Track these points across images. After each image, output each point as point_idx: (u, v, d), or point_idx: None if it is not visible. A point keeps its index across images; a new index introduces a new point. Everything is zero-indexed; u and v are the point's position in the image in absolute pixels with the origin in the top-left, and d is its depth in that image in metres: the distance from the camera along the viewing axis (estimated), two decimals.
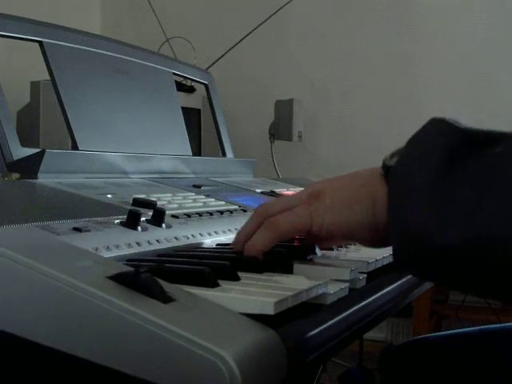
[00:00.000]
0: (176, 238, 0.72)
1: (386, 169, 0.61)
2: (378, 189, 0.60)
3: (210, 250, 0.75)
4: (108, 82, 1.18)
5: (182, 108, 1.37)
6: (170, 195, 0.92)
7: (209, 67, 2.52)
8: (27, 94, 2.41)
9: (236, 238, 0.68)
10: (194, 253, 0.70)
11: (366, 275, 0.68)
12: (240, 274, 0.56)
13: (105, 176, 0.99)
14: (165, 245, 0.69)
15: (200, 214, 0.83)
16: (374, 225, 0.61)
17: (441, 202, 0.53)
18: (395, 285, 0.72)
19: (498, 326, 0.95)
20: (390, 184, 0.58)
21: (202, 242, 0.76)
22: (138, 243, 0.66)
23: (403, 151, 0.59)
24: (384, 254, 0.75)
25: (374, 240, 0.64)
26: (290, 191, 1.23)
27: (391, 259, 0.77)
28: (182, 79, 2.19)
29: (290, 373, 0.45)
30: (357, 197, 0.62)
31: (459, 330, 0.97)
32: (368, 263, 0.70)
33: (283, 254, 0.66)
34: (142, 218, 0.70)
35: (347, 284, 0.62)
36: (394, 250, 0.58)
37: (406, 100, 3.07)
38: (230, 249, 0.73)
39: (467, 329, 0.97)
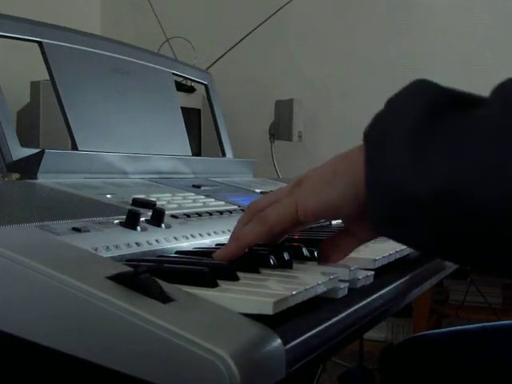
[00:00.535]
0: (175, 239, 0.72)
1: (364, 135, 0.59)
2: (358, 158, 0.59)
3: (209, 250, 0.75)
4: (108, 82, 1.18)
5: (182, 108, 1.37)
6: (169, 195, 0.92)
7: (209, 67, 2.52)
8: (27, 94, 2.41)
9: (231, 236, 0.68)
10: (194, 253, 0.70)
11: (373, 272, 0.68)
12: (239, 274, 0.56)
13: (104, 176, 0.99)
14: (164, 245, 0.69)
15: (199, 214, 0.83)
16: (356, 196, 0.60)
17: (415, 154, 0.52)
18: (395, 285, 0.72)
19: (497, 323, 0.95)
20: (366, 139, 0.58)
21: (201, 243, 0.76)
22: (137, 243, 0.66)
23: (382, 108, 0.60)
24: (383, 254, 0.75)
25: (360, 214, 0.61)
26: None
27: (390, 259, 0.77)
28: (181, 79, 2.19)
29: (289, 373, 0.45)
30: (336, 171, 0.62)
31: (459, 327, 0.97)
32: (375, 260, 0.70)
33: (282, 254, 0.66)
34: (142, 218, 0.70)
35: (347, 284, 0.62)
36: (368, 205, 0.56)
37: None
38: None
39: (467, 326, 0.97)
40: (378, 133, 0.57)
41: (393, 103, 0.59)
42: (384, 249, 0.78)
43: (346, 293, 0.62)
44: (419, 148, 0.52)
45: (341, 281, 0.62)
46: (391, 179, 0.53)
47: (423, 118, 0.54)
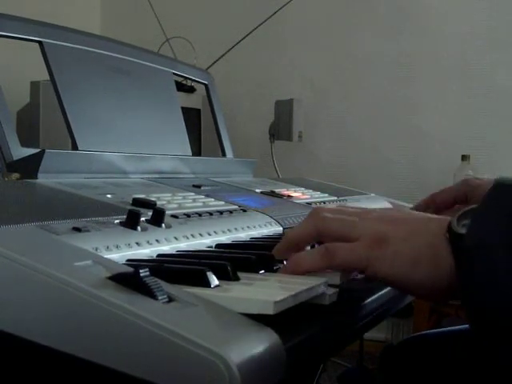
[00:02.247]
0: (176, 238, 0.72)
1: (453, 234, 0.58)
2: (443, 253, 0.59)
3: (209, 249, 0.75)
4: (108, 82, 1.18)
5: (182, 108, 1.37)
6: (169, 195, 0.92)
7: (209, 67, 2.52)
8: (27, 94, 2.42)
9: (285, 238, 0.67)
10: (194, 253, 0.70)
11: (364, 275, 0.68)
12: (240, 274, 0.56)
13: (104, 176, 0.99)
14: (164, 245, 0.69)
15: (200, 214, 0.83)
16: (434, 286, 0.60)
17: None
18: None
19: None
20: (461, 263, 0.57)
21: (201, 242, 0.76)
22: (137, 243, 0.66)
23: (472, 221, 0.57)
24: None
25: (431, 297, 0.63)
26: (289, 191, 1.23)
27: None
28: (182, 79, 2.19)
29: (289, 373, 0.45)
30: (419, 258, 0.60)
31: (460, 327, 0.97)
32: None
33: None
34: (142, 218, 0.70)
35: (337, 290, 0.61)
36: (471, 324, 0.57)
37: (406, 100, 3.07)
38: (231, 249, 0.73)
39: (467, 325, 0.97)
40: (466, 245, 0.56)
41: (482, 221, 0.57)
42: None
43: (335, 299, 0.61)
44: None
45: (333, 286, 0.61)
46: (496, 307, 0.53)
47: None
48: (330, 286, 0.60)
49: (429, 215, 0.66)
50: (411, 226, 0.63)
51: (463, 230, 0.57)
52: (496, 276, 0.53)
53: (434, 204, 0.94)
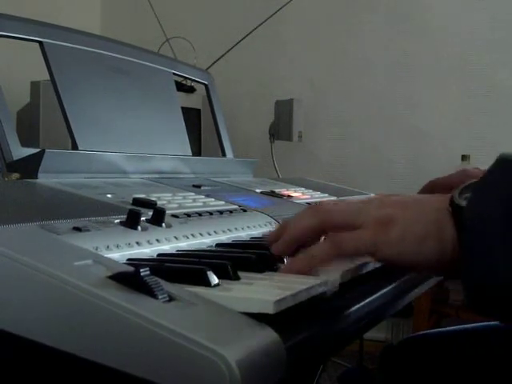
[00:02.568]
0: (176, 238, 0.72)
1: (455, 207, 0.59)
2: (446, 227, 0.59)
3: (209, 249, 0.75)
4: (108, 82, 1.18)
5: (182, 108, 1.37)
6: (169, 195, 0.92)
7: (209, 67, 2.52)
8: (27, 94, 2.42)
9: (289, 230, 0.66)
10: (195, 252, 0.70)
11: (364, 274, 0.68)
12: (240, 273, 0.56)
13: (105, 176, 0.99)
14: (165, 244, 0.69)
15: (200, 214, 0.83)
16: (439, 260, 0.60)
17: None
18: (395, 284, 0.72)
19: (497, 322, 0.95)
20: (461, 233, 0.57)
21: (201, 242, 0.76)
22: (138, 243, 0.66)
23: (474, 192, 0.58)
24: None
25: (436, 271, 0.65)
26: (289, 191, 1.23)
27: None
28: (182, 79, 2.19)
29: (289, 372, 0.45)
30: (425, 235, 0.61)
31: (460, 326, 0.97)
32: (367, 263, 0.70)
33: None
34: (142, 218, 0.70)
35: (337, 288, 0.61)
36: (467, 295, 0.57)
37: (406, 100, 3.07)
38: (231, 248, 0.73)
39: (468, 325, 0.97)
40: (467, 217, 0.56)
41: (484, 188, 0.58)
42: None
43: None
44: None
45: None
46: (492, 278, 0.53)
47: None
48: (331, 285, 0.60)
49: (430, 195, 0.67)
50: (413, 206, 0.63)
51: (464, 203, 0.58)
52: (493, 249, 0.53)
53: (432, 191, 0.94)
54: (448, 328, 0.98)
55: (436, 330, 1.01)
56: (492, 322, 0.95)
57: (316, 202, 1.14)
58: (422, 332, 1.00)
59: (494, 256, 0.53)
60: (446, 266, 0.61)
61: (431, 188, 0.97)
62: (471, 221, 0.56)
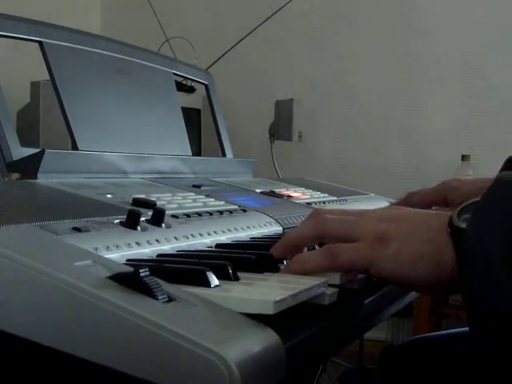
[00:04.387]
0: (176, 238, 0.72)
1: (454, 228, 0.59)
2: (444, 247, 0.59)
3: (209, 249, 0.75)
4: (108, 82, 1.18)
5: (182, 108, 1.37)
6: (169, 195, 0.92)
7: (209, 67, 2.52)
8: (27, 94, 2.42)
9: (286, 238, 0.67)
10: (194, 253, 0.70)
11: (364, 275, 0.68)
12: (240, 274, 0.56)
13: (104, 176, 0.99)
14: (164, 245, 0.69)
15: (200, 214, 0.83)
16: (436, 280, 0.60)
17: None
18: (395, 284, 0.72)
19: None
20: (461, 256, 0.57)
21: (201, 242, 0.76)
22: (137, 243, 0.66)
23: (473, 215, 0.57)
24: None
25: (434, 291, 0.63)
26: (289, 191, 1.23)
27: None
28: (182, 79, 2.19)
29: (289, 372, 0.45)
30: (422, 253, 0.60)
31: (460, 329, 0.97)
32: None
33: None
34: (142, 218, 0.70)
35: (336, 289, 0.61)
36: (469, 323, 0.57)
37: (406, 100, 3.08)
38: (231, 248, 0.73)
39: (468, 327, 0.97)
40: (467, 241, 0.56)
41: (483, 210, 0.57)
42: None
43: (335, 298, 0.61)
44: None
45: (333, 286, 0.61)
46: (493, 303, 0.53)
47: None
48: (330, 285, 0.60)
49: (429, 211, 0.66)
50: (412, 223, 0.63)
51: (464, 225, 0.57)
52: (495, 275, 0.53)
53: (410, 204, 0.92)
54: (448, 331, 0.98)
55: (436, 332, 1.01)
56: None
57: (319, 203, 1.14)
58: (421, 335, 1.00)
59: (495, 281, 0.53)
60: (443, 288, 0.61)
61: (408, 202, 0.96)
62: (472, 244, 0.55)
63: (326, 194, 1.31)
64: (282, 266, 0.64)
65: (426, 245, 0.60)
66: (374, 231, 0.62)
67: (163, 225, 0.73)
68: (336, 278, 0.61)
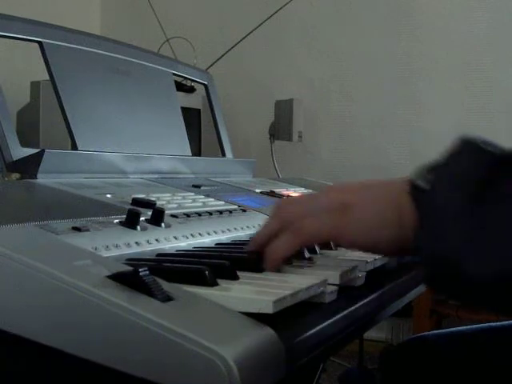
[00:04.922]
0: (175, 238, 0.72)
1: (414, 188, 0.59)
2: (405, 207, 0.59)
3: (209, 249, 0.75)
4: (108, 83, 1.18)
5: (182, 108, 1.37)
6: (169, 195, 0.92)
7: (209, 67, 2.52)
8: (27, 94, 2.41)
9: (256, 238, 0.67)
10: (194, 252, 0.70)
11: (365, 273, 0.68)
12: (239, 273, 0.56)
13: (104, 176, 0.99)
14: (164, 244, 0.69)
15: (199, 214, 0.83)
16: (399, 240, 0.61)
17: (474, 233, 0.52)
18: (394, 284, 0.72)
19: (498, 323, 0.95)
20: (419, 209, 0.57)
21: (200, 242, 0.76)
22: (137, 243, 0.66)
23: (433, 177, 0.58)
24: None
25: (398, 252, 0.64)
26: (289, 191, 1.23)
27: (384, 261, 0.77)
28: (181, 79, 2.19)
29: (288, 371, 0.45)
30: (384, 214, 0.61)
31: (459, 328, 0.97)
32: (367, 262, 0.70)
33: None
34: (142, 218, 0.70)
35: (336, 288, 0.61)
36: (427, 278, 0.58)
37: (406, 100, 3.07)
38: (231, 249, 0.73)
39: (468, 326, 0.97)
40: (431, 206, 0.56)
41: (443, 172, 0.58)
42: None
43: (335, 297, 0.61)
44: (476, 228, 0.52)
45: (332, 285, 0.61)
46: (447, 256, 0.53)
47: (478, 194, 0.53)
48: (330, 284, 0.60)
49: (390, 180, 0.67)
50: (373, 189, 0.64)
51: (426, 186, 0.58)
52: (454, 233, 0.53)
53: None
54: (448, 329, 0.98)
55: (436, 331, 1.00)
56: (490, 324, 0.95)
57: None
58: (421, 334, 0.99)
59: (457, 245, 0.53)
60: (406, 251, 0.61)
61: None
62: (433, 204, 0.56)
63: None
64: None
65: (388, 205, 0.61)
66: (336, 200, 0.63)
67: (163, 224, 0.73)
68: (336, 277, 0.61)
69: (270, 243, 0.63)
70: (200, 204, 0.92)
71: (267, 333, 0.45)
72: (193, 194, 0.99)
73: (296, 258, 0.67)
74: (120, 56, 1.23)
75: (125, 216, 0.69)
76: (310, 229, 0.62)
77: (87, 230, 0.63)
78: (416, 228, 0.57)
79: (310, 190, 1.30)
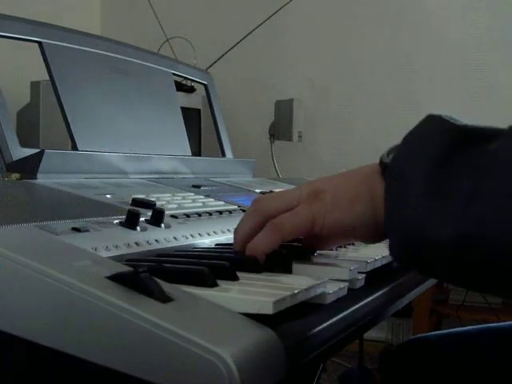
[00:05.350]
0: (175, 238, 0.72)
1: (383, 166, 0.61)
2: (377, 186, 0.61)
3: (208, 249, 0.75)
4: (108, 83, 1.18)
5: (182, 108, 1.37)
6: (169, 195, 0.92)
7: (209, 67, 2.52)
8: (27, 94, 2.42)
9: (236, 237, 0.68)
10: (193, 253, 0.70)
11: (365, 275, 0.68)
12: (239, 274, 0.56)
13: (104, 176, 0.99)
14: (164, 245, 0.69)
15: (199, 214, 0.83)
16: (374, 221, 0.62)
17: (433, 198, 0.53)
18: (394, 284, 0.72)
19: (497, 324, 0.95)
20: (385, 181, 0.59)
21: (200, 242, 0.76)
22: (137, 243, 0.66)
23: (399, 148, 0.60)
24: (383, 253, 0.75)
25: (375, 235, 0.65)
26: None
27: (390, 259, 0.77)
28: (181, 79, 2.19)
29: (288, 372, 0.45)
30: (357, 194, 0.63)
31: (459, 329, 0.97)
32: (367, 263, 0.70)
33: (283, 254, 0.66)
34: (141, 218, 0.70)
35: (346, 283, 0.62)
36: (390, 246, 0.58)
37: (406, 100, 3.07)
38: (231, 249, 0.73)
39: (467, 327, 0.97)
40: (396, 173, 0.57)
41: (408, 143, 0.60)
42: (382, 248, 0.78)
43: (345, 293, 0.62)
44: (437, 192, 0.53)
45: (340, 281, 0.62)
46: (411, 222, 0.54)
47: (439, 159, 0.55)
48: (338, 280, 0.60)
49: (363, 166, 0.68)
50: (344, 175, 0.66)
51: (388, 160, 0.60)
52: (418, 203, 0.54)
53: None
54: (448, 330, 0.98)
55: (436, 332, 1.00)
56: (491, 325, 0.95)
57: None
58: (421, 334, 1.00)
59: (418, 209, 0.54)
60: (382, 235, 0.62)
61: None
62: (396, 175, 0.57)
63: None
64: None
65: (359, 186, 0.63)
66: (308, 191, 0.65)
67: (163, 225, 0.73)
68: (344, 274, 0.62)
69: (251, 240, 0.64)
70: (200, 204, 0.92)
71: (267, 334, 0.45)
72: (193, 194, 0.98)
73: (296, 259, 0.67)
74: (120, 56, 1.23)
75: (124, 216, 0.69)
76: (287, 224, 0.63)
77: (87, 231, 0.63)
78: (384, 202, 0.58)
79: None
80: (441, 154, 0.55)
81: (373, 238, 0.66)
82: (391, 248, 0.58)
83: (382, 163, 0.61)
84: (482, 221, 0.50)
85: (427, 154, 0.55)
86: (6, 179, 0.90)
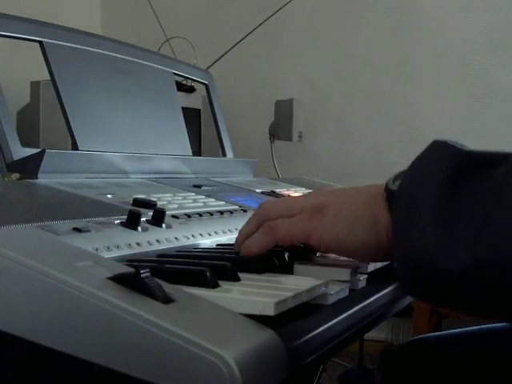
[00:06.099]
0: (176, 239, 0.72)
1: (389, 192, 0.60)
2: (381, 211, 0.60)
3: (210, 250, 0.75)
4: (108, 82, 1.18)
5: (182, 108, 1.37)
6: (170, 195, 0.92)
7: (209, 67, 2.52)
8: (27, 94, 2.41)
9: (236, 239, 0.69)
10: (195, 253, 0.70)
11: (366, 276, 0.68)
12: (240, 274, 0.56)
13: (105, 176, 0.99)
14: (165, 245, 0.69)
15: (200, 214, 0.83)
16: (376, 244, 0.61)
17: (443, 227, 0.52)
18: (395, 285, 0.72)
19: (498, 325, 0.95)
20: (393, 209, 0.58)
21: (201, 243, 0.76)
22: (138, 243, 0.65)
23: (405, 175, 0.59)
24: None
25: (375, 258, 0.65)
26: (289, 191, 1.23)
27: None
28: (182, 79, 2.19)
29: (290, 373, 0.45)
30: (359, 216, 0.62)
31: (460, 330, 0.97)
32: (368, 264, 0.70)
33: (283, 254, 0.66)
34: (142, 219, 0.70)
35: (347, 284, 0.62)
36: (398, 274, 0.58)
37: (406, 100, 3.07)
38: (231, 249, 0.73)
39: (468, 328, 0.97)
40: (403, 199, 0.57)
41: (415, 168, 0.59)
42: None
43: (347, 294, 0.62)
44: (446, 221, 0.52)
45: (341, 281, 0.62)
46: (420, 255, 0.53)
47: (447, 184, 0.54)
48: (340, 281, 0.60)
49: (368, 185, 0.68)
50: (349, 194, 0.65)
51: (394, 187, 0.59)
52: (425, 231, 0.53)
53: None
54: (448, 331, 0.98)
55: (436, 333, 1.00)
56: (491, 326, 0.95)
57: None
58: (422, 335, 0.99)
59: (425, 237, 0.53)
60: (382, 256, 0.62)
61: None
62: (403, 203, 0.57)
63: None
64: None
65: (363, 209, 0.62)
66: (312, 204, 0.64)
67: (164, 225, 0.73)
68: (346, 274, 0.62)
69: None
70: (201, 204, 0.91)
71: (269, 335, 0.45)
72: (193, 194, 0.98)
73: (297, 259, 0.67)
74: (121, 55, 1.23)
75: (126, 216, 0.69)
76: (282, 229, 0.64)
77: (88, 231, 0.63)
78: (390, 231, 0.57)
79: (310, 190, 1.30)
80: (449, 179, 0.54)
81: (372, 259, 0.66)
82: (398, 275, 0.58)
83: (387, 189, 0.61)
84: (494, 248, 0.49)
85: (433, 183, 0.55)
86: (7, 179, 0.90)
